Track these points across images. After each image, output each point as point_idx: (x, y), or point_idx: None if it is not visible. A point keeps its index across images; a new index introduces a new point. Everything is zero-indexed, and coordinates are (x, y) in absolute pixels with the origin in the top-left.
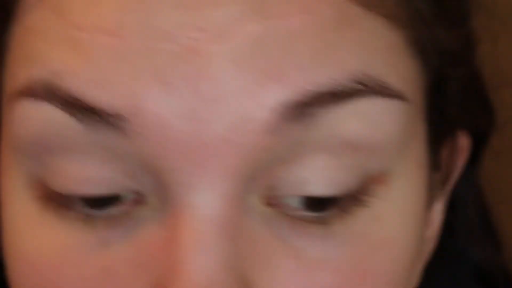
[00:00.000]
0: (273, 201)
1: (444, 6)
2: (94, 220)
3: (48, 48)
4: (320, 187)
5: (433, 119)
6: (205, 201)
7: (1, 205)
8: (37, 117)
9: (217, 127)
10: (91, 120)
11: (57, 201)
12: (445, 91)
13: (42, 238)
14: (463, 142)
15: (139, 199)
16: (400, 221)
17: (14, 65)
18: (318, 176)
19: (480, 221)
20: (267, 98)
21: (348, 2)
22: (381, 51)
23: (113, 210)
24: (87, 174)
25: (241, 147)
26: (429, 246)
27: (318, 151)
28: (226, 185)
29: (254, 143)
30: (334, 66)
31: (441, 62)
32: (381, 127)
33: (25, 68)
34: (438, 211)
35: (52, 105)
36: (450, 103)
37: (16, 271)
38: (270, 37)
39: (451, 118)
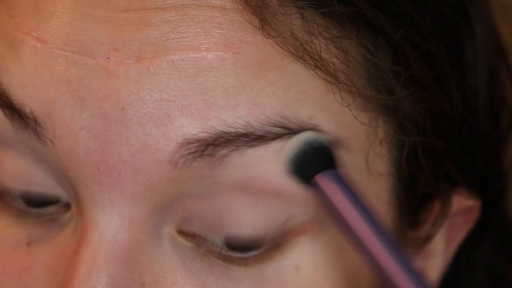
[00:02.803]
0: (192, 234)
1: (410, 70)
2: (26, 218)
3: None
4: (236, 228)
5: (400, 178)
6: (107, 221)
7: None
8: None
9: (122, 150)
10: (17, 121)
11: None
12: (410, 157)
13: None
14: (467, 203)
15: (68, 205)
16: (325, 274)
17: None
18: (234, 217)
19: None
20: (173, 130)
21: (275, 47)
22: (309, 96)
23: (43, 210)
24: (19, 170)
25: (145, 175)
26: None
27: (234, 190)
28: (129, 209)
29: (159, 174)
30: (248, 108)
31: (398, 124)
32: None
33: None
34: (434, 269)
35: None
36: (412, 165)
37: None
38: (182, 68)
39: (424, 180)
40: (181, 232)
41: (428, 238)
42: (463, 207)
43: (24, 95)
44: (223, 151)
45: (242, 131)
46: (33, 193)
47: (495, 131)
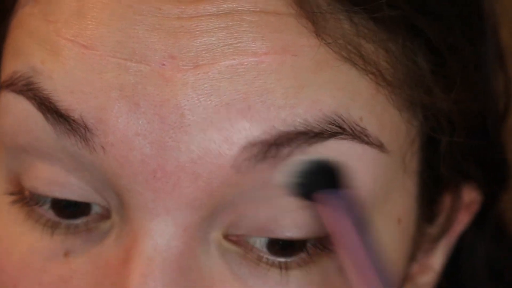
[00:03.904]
0: (237, 239)
1: (445, 70)
2: (58, 228)
3: (31, 45)
4: (286, 230)
5: (426, 173)
6: (161, 229)
7: None
8: (16, 111)
9: (181, 156)
10: (62, 126)
11: (27, 200)
12: (438, 151)
13: (11, 236)
14: (471, 196)
15: (105, 214)
16: None
17: (6, 56)
18: (286, 219)
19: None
20: (235, 133)
21: (329, 50)
22: (361, 96)
23: (77, 221)
24: (55, 177)
25: (205, 180)
26: None
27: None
28: (184, 216)
29: (220, 179)
30: (307, 106)
31: (435, 123)
32: (356, 175)
33: (12, 60)
34: (437, 261)
35: (30, 102)
36: (443, 163)
37: None
38: (242, 72)
39: (447, 175)
40: (227, 237)
41: (442, 233)
42: (468, 200)
43: (72, 101)
44: (286, 151)
45: (301, 129)
46: (67, 202)
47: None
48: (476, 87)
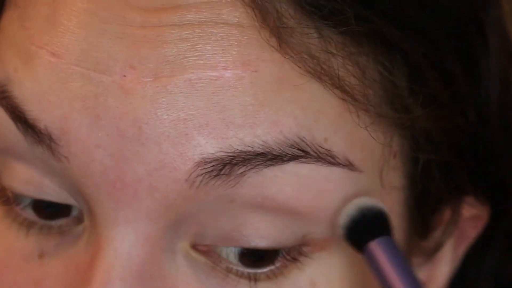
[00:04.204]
0: (206, 249)
1: (424, 86)
2: (32, 228)
3: (8, 52)
4: (251, 239)
5: (412, 188)
6: (122, 238)
7: None
8: None
9: (138, 168)
10: (30, 136)
11: (6, 199)
12: (424, 170)
13: None
14: (473, 211)
15: (80, 217)
16: None
17: None
18: (249, 229)
19: None
20: (190, 149)
21: (293, 65)
22: (326, 115)
23: (52, 222)
24: (30, 178)
25: (161, 193)
26: None
27: (249, 208)
28: (145, 226)
29: (176, 192)
30: (267, 127)
31: (412, 139)
32: (323, 194)
33: None
34: (439, 274)
35: (3, 110)
36: (427, 179)
37: None
38: (200, 87)
39: (438, 191)
40: (195, 247)
41: (438, 247)
42: (471, 215)
43: (39, 110)
44: (240, 170)
45: (260, 150)
46: (45, 202)
47: (506, 138)
48: (467, 101)
